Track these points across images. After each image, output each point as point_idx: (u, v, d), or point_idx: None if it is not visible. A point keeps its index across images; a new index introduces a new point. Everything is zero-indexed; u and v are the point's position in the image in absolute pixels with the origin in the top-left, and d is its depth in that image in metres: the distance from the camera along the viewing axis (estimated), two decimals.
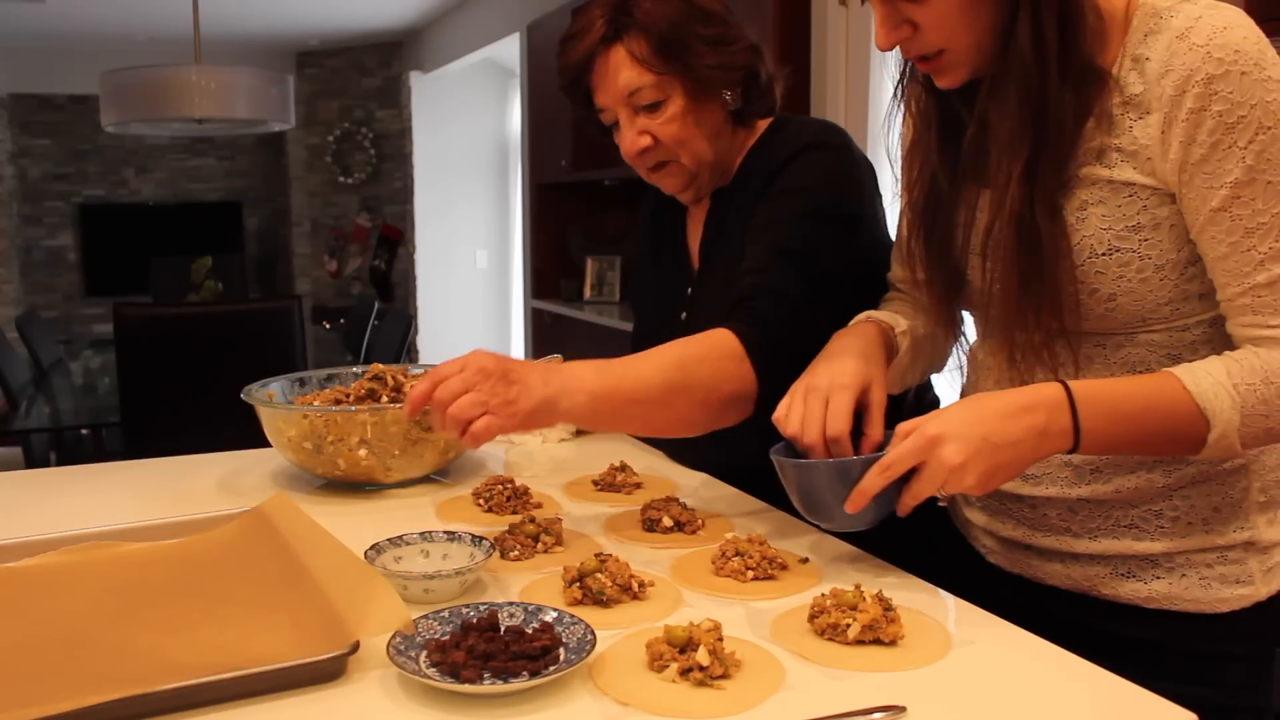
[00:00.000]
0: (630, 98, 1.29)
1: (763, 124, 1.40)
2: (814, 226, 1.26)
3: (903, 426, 0.95)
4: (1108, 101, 0.96)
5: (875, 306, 1.22)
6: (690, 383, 1.15)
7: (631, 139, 1.31)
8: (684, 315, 1.44)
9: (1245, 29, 0.90)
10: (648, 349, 1.19)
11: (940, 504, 0.99)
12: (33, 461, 4.06)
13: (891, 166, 1.15)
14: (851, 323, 1.17)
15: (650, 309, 1.54)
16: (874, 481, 0.95)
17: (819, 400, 1.03)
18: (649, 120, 1.30)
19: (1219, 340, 0.98)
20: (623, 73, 1.28)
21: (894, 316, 1.16)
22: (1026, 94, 0.95)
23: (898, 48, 1.00)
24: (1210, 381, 0.91)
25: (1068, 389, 0.92)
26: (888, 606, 0.87)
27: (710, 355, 1.18)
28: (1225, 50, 0.89)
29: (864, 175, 1.32)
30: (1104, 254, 0.97)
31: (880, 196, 1.35)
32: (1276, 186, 0.90)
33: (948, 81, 1.01)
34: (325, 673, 0.80)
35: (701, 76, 1.28)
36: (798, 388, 1.07)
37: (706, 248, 1.42)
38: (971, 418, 0.91)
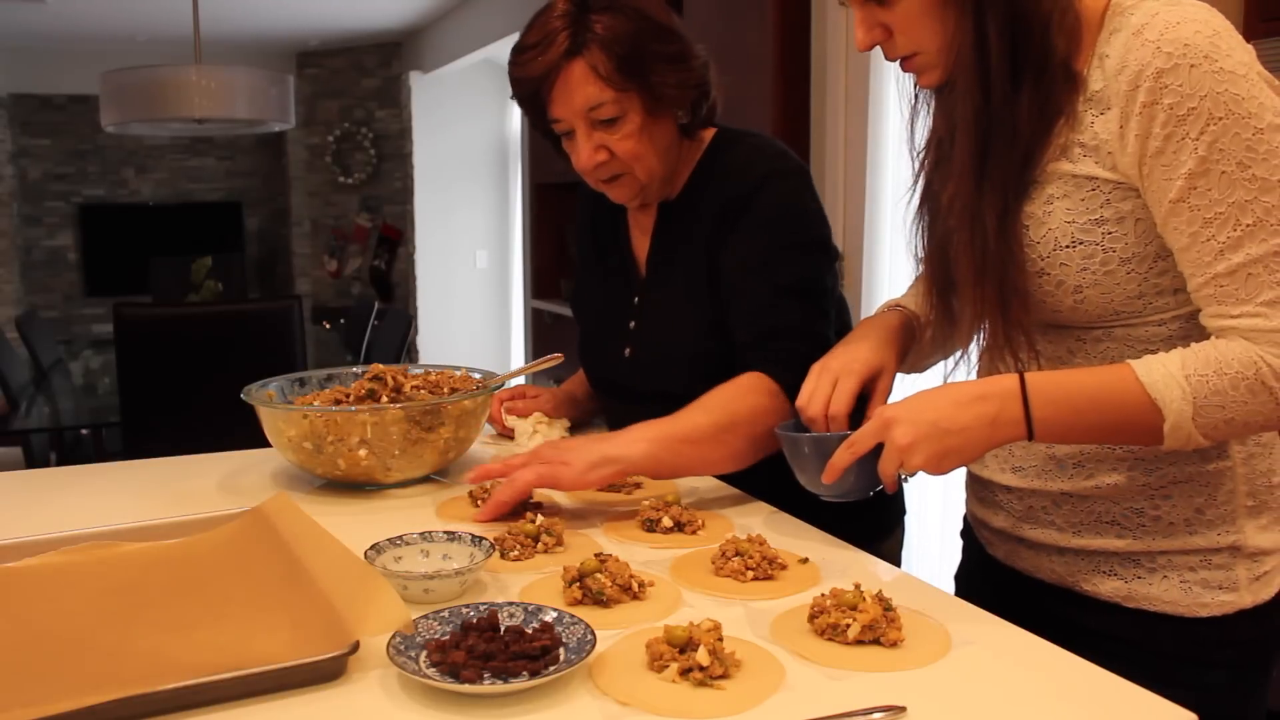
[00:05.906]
0: (589, 112, 1.30)
1: (706, 134, 1.44)
2: (802, 258, 1.34)
3: (877, 409, 1.02)
4: (1076, 99, 0.98)
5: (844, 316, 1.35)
6: (736, 420, 1.23)
7: (589, 153, 1.33)
8: (632, 324, 1.47)
9: (1198, 23, 0.91)
10: (596, 359, 1.41)
11: (903, 482, 1.07)
12: (33, 461, 4.07)
13: (912, 159, 1.17)
14: (878, 309, 1.24)
15: (597, 317, 1.56)
16: (841, 457, 1.04)
17: (829, 380, 1.14)
18: (606, 135, 1.32)
19: (1197, 335, 0.98)
20: (584, 88, 1.29)
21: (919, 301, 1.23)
22: (971, 97, 0.98)
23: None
24: (1163, 372, 0.92)
25: (1023, 380, 0.95)
26: (888, 606, 0.87)
27: (748, 394, 1.26)
28: (1175, 45, 0.91)
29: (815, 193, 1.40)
30: (1068, 246, 0.98)
31: None
32: (1231, 176, 0.90)
33: (926, 82, 1.05)
34: (325, 673, 0.80)
35: (660, 95, 1.32)
36: (815, 367, 1.16)
37: (655, 258, 1.46)
38: (926, 404, 0.98)
